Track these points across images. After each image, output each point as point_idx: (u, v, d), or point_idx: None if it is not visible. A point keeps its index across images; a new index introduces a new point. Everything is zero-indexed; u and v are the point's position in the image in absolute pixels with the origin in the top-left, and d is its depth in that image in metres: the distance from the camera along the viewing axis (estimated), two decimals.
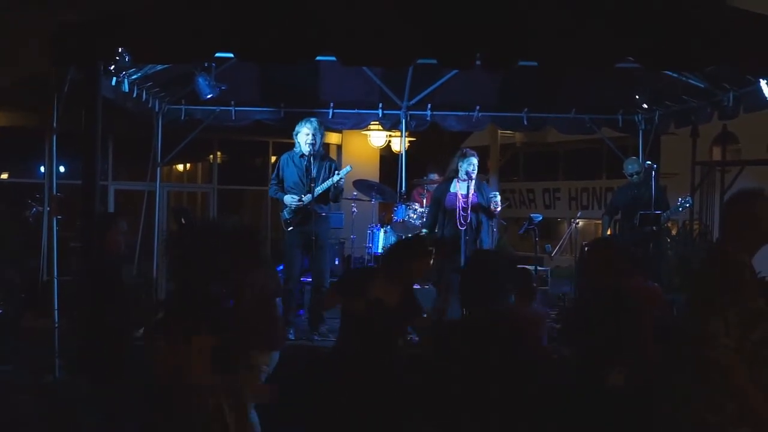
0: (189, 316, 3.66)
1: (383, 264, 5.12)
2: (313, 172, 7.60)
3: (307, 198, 7.58)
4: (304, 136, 7.65)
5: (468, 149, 8.13)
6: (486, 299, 4.13)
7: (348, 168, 7.99)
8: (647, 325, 5.11)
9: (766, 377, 3.53)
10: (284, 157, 7.92)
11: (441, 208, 8.02)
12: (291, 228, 7.69)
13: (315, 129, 7.66)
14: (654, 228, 8.40)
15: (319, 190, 7.62)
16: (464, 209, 7.76)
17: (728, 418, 3.51)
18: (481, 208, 7.84)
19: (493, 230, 9.07)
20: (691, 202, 8.68)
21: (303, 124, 7.70)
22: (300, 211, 7.64)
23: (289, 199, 7.68)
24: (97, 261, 5.32)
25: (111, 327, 5.13)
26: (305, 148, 7.64)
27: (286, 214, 7.72)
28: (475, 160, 7.84)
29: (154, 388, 3.88)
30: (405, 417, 4.45)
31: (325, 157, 7.98)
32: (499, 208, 7.94)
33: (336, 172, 7.75)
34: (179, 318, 3.70)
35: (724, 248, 3.74)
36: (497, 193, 8.13)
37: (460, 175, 7.86)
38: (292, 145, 7.91)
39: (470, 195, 7.72)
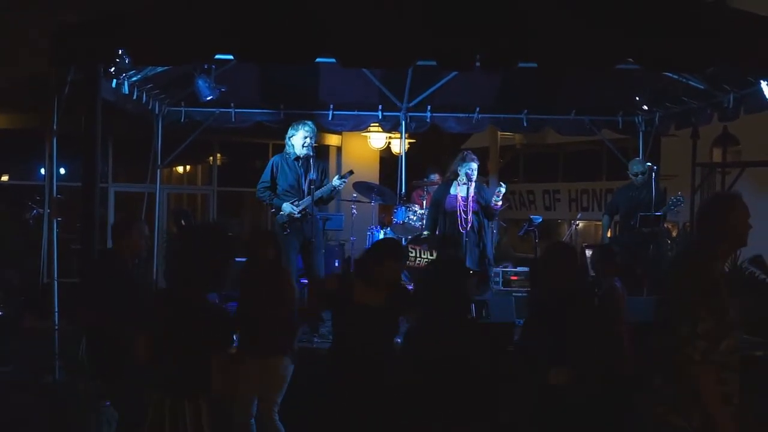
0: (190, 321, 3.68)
1: (357, 269, 5.06)
2: (312, 174, 7.57)
3: (305, 201, 7.55)
4: (301, 139, 7.61)
5: (469, 154, 8.10)
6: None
7: (349, 173, 7.97)
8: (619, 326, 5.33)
9: (733, 383, 3.55)
10: (276, 159, 7.84)
11: (441, 210, 8.01)
12: (287, 231, 7.64)
13: (313, 131, 7.64)
14: (652, 229, 8.37)
15: (319, 194, 7.59)
16: (465, 212, 7.74)
17: (694, 424, 3.51)
18: (480, 208, 7.83)
19: (492, 231, 9.05)
20: (683, 200, 8.65)
21: (300, 127, 7.65)
22: (299, 215, 7.63)
23: (289, 209, 7.63)
24: (114, 263, 5.32)
25: (121, 328, 5.13)
26: (303, 151, 7.60)
27: (283, 217, 7.68)
28: (475, 165, 7.83)
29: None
30: (401, 418, 4.45)
31: (316, 159, 7.94)
32: (499, 203, 7.87)
33: (326, 174, 7.75)
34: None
35: (703, 255, 3.67)
36: (501, 189, 8.03)
37: (459, 178, 7.85)
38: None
39: (470, 197, 7.71)
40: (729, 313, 3.52)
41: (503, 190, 7.91)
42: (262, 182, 7.86)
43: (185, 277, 3.76)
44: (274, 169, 7.79)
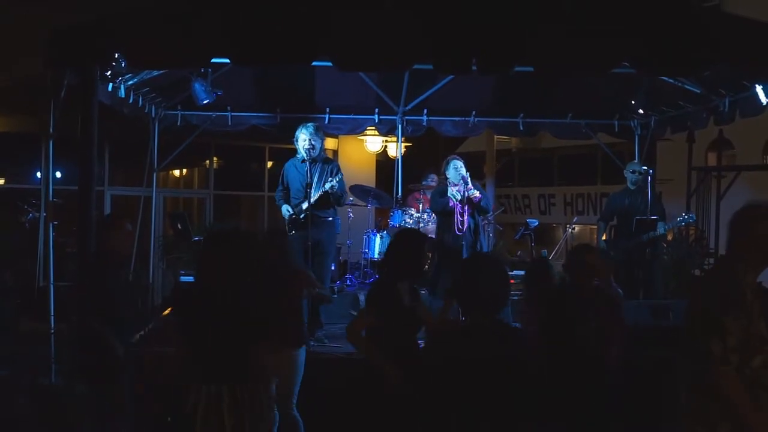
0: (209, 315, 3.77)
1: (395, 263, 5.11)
2: (314, 178, 7.54)
3: (303, 205, 7.53)
4: (301, 142, 7.62)
5: (451, 155, 8.14)
6: (488, 305, 4.15)
7: (339, 176, 7.92)
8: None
9: (766, 402, 3.44)
10: (288, 163, 7.91)
11: (438, 213, 8.02)
12: (293, 233, 7.64)
13: (311, 134, 7.62)
14: (648, 233, 8.34)
15: (314, 196, 7.56)
16: (461, 213, 7.75)
17: None
18: (474, 205, 7.82)
19: (489, 235, 9.05)
20: (694, 218, 8.59)
21: (300, 129, 7.67)
22: (297, 218, 7.63)
23: (285, 211, 7.70)
24: (98, 264, 5.30)
25: (109, 330, 5.11)
26: (303, 154, 7.62)
27: (286, 219, 7.71)
28: (459, 163, 7.84)
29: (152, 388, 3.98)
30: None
31: (327, 160, 7.92)
32: (477, 194, 7.80)
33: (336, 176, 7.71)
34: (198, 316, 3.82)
35: (730, 267, 3.59)
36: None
37: (453, 181, 7.86)
38: (288, 151, 7.90)
39: (465, 193, 7.73)
40: (759, 326, 3.42)
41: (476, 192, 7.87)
42: (278, 188, 8.00)
43: (231, 274, 3.85)
44: (285, 175, 7.88)
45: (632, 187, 8.70)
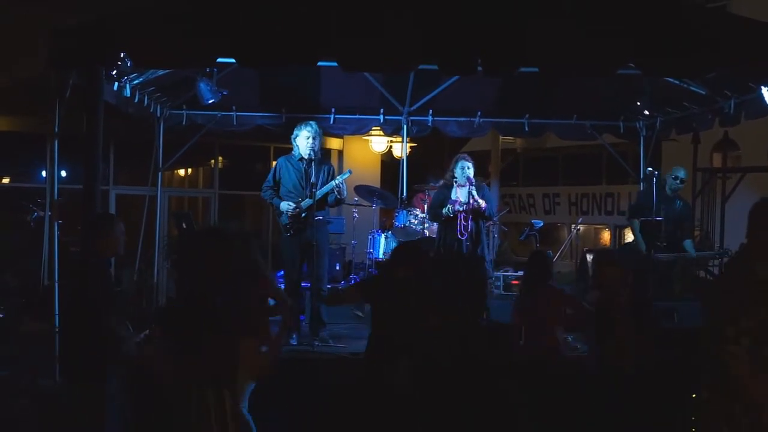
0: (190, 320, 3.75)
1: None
2: (312, 177, 7.51)
3: (306, 203, 7.49)
4: (304, 139, 7.56)
5: (461, 154, 8.12)
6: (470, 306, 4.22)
7: (348, 172, 7.89)
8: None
9: None
10: (281, 160, 7.81)
11: (439, 215, 7.98)
12: (290, 233, 7.61)
13: (315, 132, 7.58)
14: (655, 235, 8.22)
15: (320, 193, 7.53)
16: (465, 218, 7.70)
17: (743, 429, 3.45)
18: (477, 212, 7.77)
19: (494, 236, 9.00)
20: (729, 253, 8.26)
21: (303, 127, 7.60)
22: (297, 216, 7.60)
23: (285, 206, 7.57)
24: (89, 263, 5.28)
25: (99, 330, 5.08)
26: (305, 152, 7.53)
27: (285, 219, 7.64)
28: (467, 164, 7.80)
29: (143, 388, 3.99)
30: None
31: (323, 161, 7.89)
32: (482, 204, 7.74)
33: (334, 176, 7.67)
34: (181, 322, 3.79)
35: (746, 258, 3.64)
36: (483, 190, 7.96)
37: (459, 182, 7.83)
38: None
39: (471, 202, 7.68)
40: None
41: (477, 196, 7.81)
42: (266, 184, 7.83)
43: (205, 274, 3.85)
44: (278, 171, 7.75)
45: (669, 193, 8.44)
